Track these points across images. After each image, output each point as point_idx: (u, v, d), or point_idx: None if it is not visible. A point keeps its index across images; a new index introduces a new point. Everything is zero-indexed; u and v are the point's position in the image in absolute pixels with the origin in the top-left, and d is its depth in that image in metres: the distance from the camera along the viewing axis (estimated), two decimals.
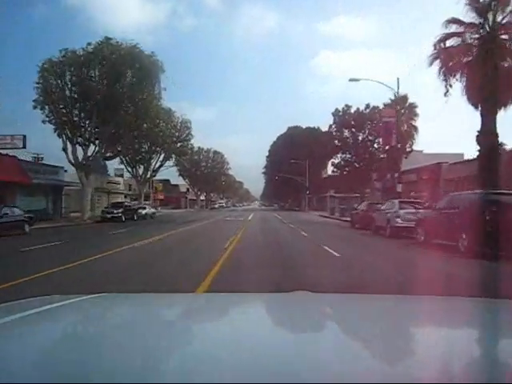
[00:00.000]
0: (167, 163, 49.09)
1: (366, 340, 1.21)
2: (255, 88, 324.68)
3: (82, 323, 1.51)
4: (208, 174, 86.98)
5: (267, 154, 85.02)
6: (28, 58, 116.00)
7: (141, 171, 46.04)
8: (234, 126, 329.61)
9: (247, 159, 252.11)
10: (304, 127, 78.23)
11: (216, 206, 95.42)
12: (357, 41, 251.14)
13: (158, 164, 47.05)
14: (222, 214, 50.97)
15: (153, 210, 40.88)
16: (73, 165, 31.53)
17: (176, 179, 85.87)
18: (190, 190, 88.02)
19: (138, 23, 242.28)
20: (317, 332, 1.37)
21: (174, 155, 46.63)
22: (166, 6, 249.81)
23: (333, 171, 35.73)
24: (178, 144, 45.90)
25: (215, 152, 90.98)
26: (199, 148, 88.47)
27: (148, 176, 46.95)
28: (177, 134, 45.63)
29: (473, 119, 31.95)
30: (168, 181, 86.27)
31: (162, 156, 46.55)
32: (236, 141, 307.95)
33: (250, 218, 38.71)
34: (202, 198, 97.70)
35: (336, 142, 35.03)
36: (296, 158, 66.47)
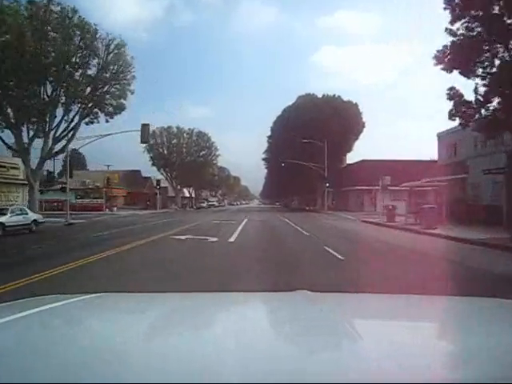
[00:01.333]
0: (98, 130, 27.11)
1: (366, 339, 1.20)
2: (256, 86, 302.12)
3: (82, 323, 1.48)
4: (190, 163, 65.21)
5: (269, 133, 63.03)
6: None
7: (27, 138, 23.69)
8: (233, 123, 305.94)
9: (246, 158, 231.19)
10: (320, 95, 56.66)
11: (204, 204, 73.43)
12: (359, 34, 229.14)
13: (65, 125, 24.73)
14: (200, 219, 30.14)
15: (34, 217, 19.53)
16: None
17: (152, 170, 65.13)
18: (169, 184, 66.26)
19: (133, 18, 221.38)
20: (316, 331, 1.32)
21: (97, 108, 24.52)
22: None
23: (451, 116, 13.42)
24: (105, 87, 24.18)
25: (199, 133, 68.86)
26: (178, 129, 67.07)
27: (48, 149, 24.62)
28: (96, 61, 23.81)
29: None
30: (138, 172, 65.32)
31: (76, 113, 24.54)
32: (235, 139, 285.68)
33: (233, 238, 16.06)
34: (187, 194, 76.08)
35: (462, 27, 12.54)
36: (308, 138, 45.46)
